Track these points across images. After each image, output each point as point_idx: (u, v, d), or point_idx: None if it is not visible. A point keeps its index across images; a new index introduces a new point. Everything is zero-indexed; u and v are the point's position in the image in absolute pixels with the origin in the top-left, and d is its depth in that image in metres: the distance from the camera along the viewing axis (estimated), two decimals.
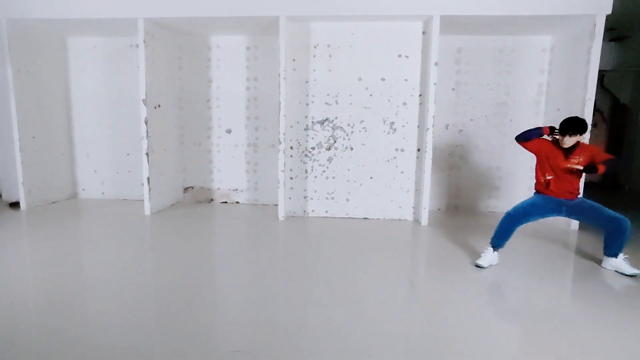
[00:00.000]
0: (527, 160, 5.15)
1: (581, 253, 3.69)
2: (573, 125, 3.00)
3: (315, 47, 4.73)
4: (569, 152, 3.09)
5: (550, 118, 4.90)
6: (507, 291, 2.78)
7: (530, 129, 3.21)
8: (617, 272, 3.07)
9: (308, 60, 4.75)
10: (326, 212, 4.95)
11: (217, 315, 2.38)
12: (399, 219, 4.84)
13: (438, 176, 5.19)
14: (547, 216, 3.24)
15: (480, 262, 3.14)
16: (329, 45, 4.72)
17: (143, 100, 4.65)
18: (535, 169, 3.28)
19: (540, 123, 5.09)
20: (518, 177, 5.19)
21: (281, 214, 4.69)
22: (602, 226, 3.10)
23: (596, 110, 6.96)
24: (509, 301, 2.58)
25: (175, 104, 5.38)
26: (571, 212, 3.19)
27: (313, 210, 4.96)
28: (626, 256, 3.09)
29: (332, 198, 4.92)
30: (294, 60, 4.72)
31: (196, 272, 3.02)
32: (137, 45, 4.75)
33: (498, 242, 3.19)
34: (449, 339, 2.11)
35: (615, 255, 3.09)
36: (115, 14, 4.49)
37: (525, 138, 3.20)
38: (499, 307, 2.52)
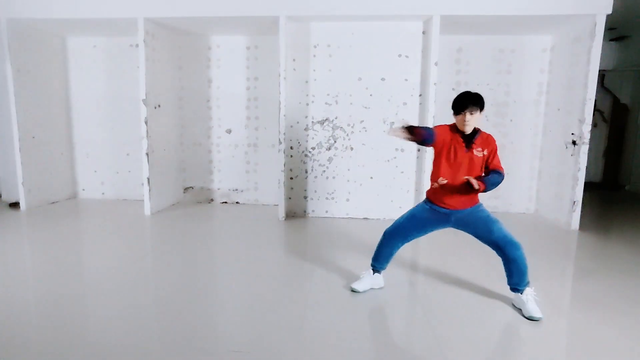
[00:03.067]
0: (527, 160, 5.15)
1: (581, 254, 3.69)
2: (470, 97, 2.28)
3: (315, 47, 4.73)
4: (470, 141, 2.34)
5: (550, 118, 4.90)
6: (506, 292, 2.78)
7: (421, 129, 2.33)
8: (519, 310, 2.43)
9: (308, 60, 4.75)
10: (326, 212, 4.95)
11: (217, 315, 2.38)
12: None
13: None
14: (432, 230, 2.60)
15: (355, 286, 2.68)
16: (329, 45, 4.71)
17: (143, 100, 4.65)
18: (433, 166, 2.48)
19: (540, 123, 5.08)
20: (518, 177, 5.18)
21: (281, 214, 4.69)
22: (490, 247, 2.46)
23: (596, 110, 6.95)
24: (508, 302, 2.58)
25: (175, 104, 5.38)
26: (460, 224, 2.49)
27: (313, 210, 4.96)
28: (534, 294, 2.42)
29: (332, 198, 4.91)
30: (294, 60, 4.72)
31: (196, 272, 3.02)
32: (137, 45, 4.75)
33: (375, 263, 2.72)
34: (450, 340, 2.11)
35: (518, 291, 2.42)
36: (115, 13, 4.48)
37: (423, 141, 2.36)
38: (499, 307, 2.52)
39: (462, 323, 2.29)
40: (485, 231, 2.41)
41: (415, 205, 2.67)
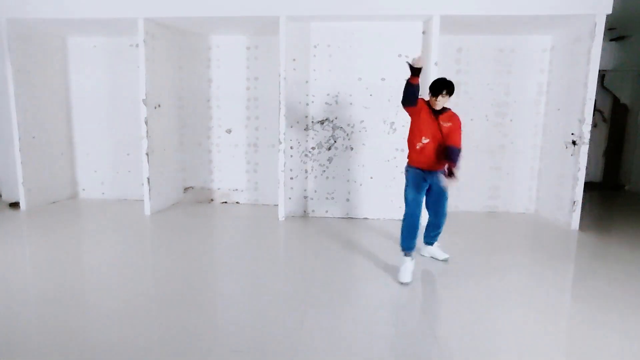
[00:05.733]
0: (527, 160, 5.15)
1: (581, 254, 3.69)
2: (445, 84, 2.86)
3: (315, 47, 4.73)
4: (438, 114, 2.94)
5: (550, 118, 4.90)
6: (506, 292, 2.78)
7: (407, 88, 2.80)
8: (432, 257, 3.37)
9: (308, 60, 4.75)
10: (326, 212, 4.95)
11: (217, 315, 2.38)
12: (399, 219, 4.82)
13: None
14: (424, 190, 3.09)
15: (402, 279, 2.85)
16: (329, 45, 4.71)
17: (143, 100, 4.65)
18: (410, 132, 3.04)
19: (540, 123, 5.08)
20: (518, 177, 5.18)
21: (281, 214, 4.69)
22: (432, 214, 3.21)
23: (596, 110, 6.95)
24: (508, 302, 2.58)
25: (175, 104, 5.38)
26: (430, 183, 3.06)
27: (313, 210, 4.96)
28: (439, 244, 3.39)
29: (332, 198, 4.91)
30: (294, 60, 4.72)
31: (196, 272, 3.02)
32: (137, 45, 4.75)
33: (408, 244, 2.99)
34: (449, 340, 2.11)
35: (431, 244, 3.38)
36: (115, 14, 4.48)
37: (411, 100, 2.83)
38: (499, 308, 2.52)
39: (461, 323, 2.29)
40: (439, 204, 3.12)
41: (406, 180, 3.09)
